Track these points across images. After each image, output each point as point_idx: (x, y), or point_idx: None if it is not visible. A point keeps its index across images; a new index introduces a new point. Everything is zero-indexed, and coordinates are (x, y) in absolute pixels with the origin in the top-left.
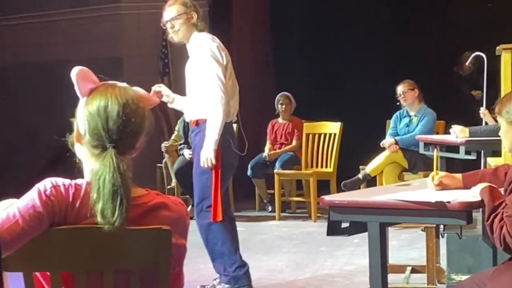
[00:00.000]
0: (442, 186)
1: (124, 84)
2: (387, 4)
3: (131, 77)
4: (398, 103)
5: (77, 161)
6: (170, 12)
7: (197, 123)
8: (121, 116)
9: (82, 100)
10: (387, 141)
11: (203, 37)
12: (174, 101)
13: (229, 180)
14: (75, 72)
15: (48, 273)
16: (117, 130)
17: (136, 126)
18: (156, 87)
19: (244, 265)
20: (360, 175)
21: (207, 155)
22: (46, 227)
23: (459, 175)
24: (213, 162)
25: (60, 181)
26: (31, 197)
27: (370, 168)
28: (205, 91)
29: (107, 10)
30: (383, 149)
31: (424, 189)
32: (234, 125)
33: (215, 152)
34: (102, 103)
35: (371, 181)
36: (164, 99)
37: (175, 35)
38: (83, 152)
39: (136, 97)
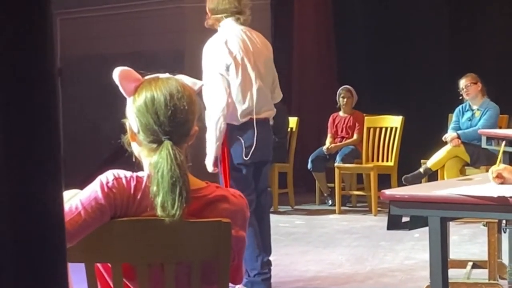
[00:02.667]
0: (501, 179)
1: (166, 75)
2: None
3: (193, 70)
4: (460, 97)
5: (135, 160)
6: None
7: None
8: (169, 107)
9: (129, 100)
10: (449, 135)
11: (220, 31)
12: None
13: (244, 178)
14: (117, 74)
15: (109, 265)
16: (168, 122)
17: (185, 114)
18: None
19: (265, 272)
20: (421, 169)
21: (206, 162)
22: (107, 219)
23: None
24: (211, 168)
25: (122, 173)
26: (93, 189)
27: (431, 162)
28: (207, 95)
29: (170, 3)
30: (445, 143)
31: (486, 184)
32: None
33: (214, 158)
34: (149, 98)
35: (432, 176)
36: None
37: (205, 21)
38: (140, 149)
39: (180, 85)
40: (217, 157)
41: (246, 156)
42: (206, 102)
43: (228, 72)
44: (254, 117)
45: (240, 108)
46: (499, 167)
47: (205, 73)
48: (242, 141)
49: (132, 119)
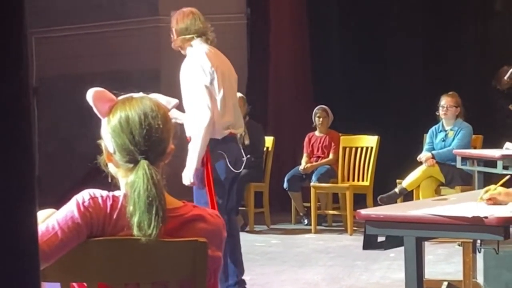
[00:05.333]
0: (494, 202)
1: (140, 94)
2: (427, 17)
3: (169, 89)
4: (437, 113)
5: (112, 180)
6: (171, 21)
7: (190, 139)
8: (144, 126)
9: (103, 121)
10: (424, 155)
11: (190, 55)
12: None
13: (227, 194)
14: (91, 95)
15: (85, 284)
16: (143, 141)
17: (160, 132)
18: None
19: (233, 284)
20: (396, 190)
21: (185, 173)
22: (84, 238)
23: None
24: (191, 180)
25: (98, 192)
26: (69, 209)
27: (406, 182)
28: (193, 108)
29: (146, 22)
30: (420, 163)
31: (461, 204)
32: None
33: (196, 171)
34: (123, 118)
35: (407, 196)
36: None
37: (172, 43)
38: (117, 170)
39: (154, 104)
40: (197, 169)
41: (232, 170)
42: (193, 114)
43: (212, 86)
44: (233, 131)
45: (222, 122)
46: (495, 190)
47: (190, 85)
48: (225, 155)
49: (108, 140)
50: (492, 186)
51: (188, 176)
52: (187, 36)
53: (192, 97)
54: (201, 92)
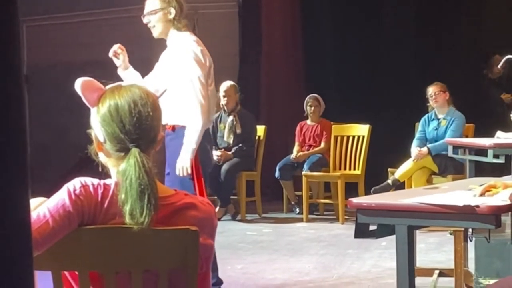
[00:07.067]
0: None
1: (128, 82)
2: (417, 6)
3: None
4: (428, 104)
5: (103, 169)
6: (148, 5)
7: (173, 128)
8: (134, 114)
9: (93, 110)
10: (421, 152)
11: (186, 38)
12: (127, 71)
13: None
14: (79, 84)
15: (76, 273)
16: (134, 129)
17: (150, 120)
18: (116, 47)
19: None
20: (389, 181)
21: (183, 164)
22: (75, 227)
23: None
24: (189, 171)
25: (89, 180)
26: (60, 197)
27: (399, 173)
28: (185, 96)
29: (137, 11)
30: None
31: (453, 192)
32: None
33: (191, 161)
34: (113, 107)
35: (400, 187)
36: (117, 62)
37: (152, 30)
38: (107, 159)
39: (143, 92)
40: (191, 159)
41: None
42: (194, 101)
43: (205, 77)
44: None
45: (212, 113)
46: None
47: (185, 74)
48: (208, 147)
49: (98, 129)
50: (498, 183)
51: (184, 167)
52: (179, 25)
53: (188, 83)
54: (199, 83)
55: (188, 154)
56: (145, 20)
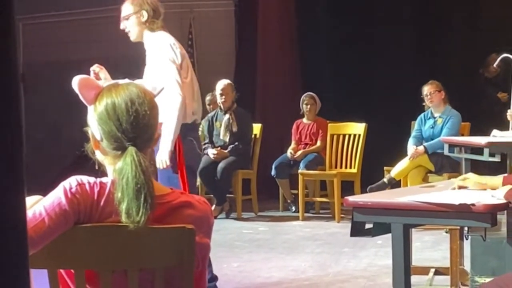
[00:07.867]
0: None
1: (126, 80)
2: (414, 5)
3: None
4: (423, 104)
5: (100, 167)
6: (122, 11)
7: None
8: (131, 113)
9: (90, 108)
10: (418, 152)
11: (158, 37)
12: None
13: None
14: (76, 82)
15: (72, 271)
16: (131, 128)
17: (147, 119)
18: (95, 67)
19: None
20: (385, 179)
21: (161, 158)
22: (71, 225)
23: (496, 179)
24: (168, 163)
25: (85, 179)
26: (56, 195)
27: (395, 172)
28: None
29: None
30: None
31: (448, 191)
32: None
33: (170, 153)
34: (110, 105)
35: (396, 185)
36: (101, 82)
37: (129, 35)
38: (104, 157)
39: (140, 90)
40: (171, 151)
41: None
42: (168, 94)
43: (182, 68)
44: (197, 119)
45: (191, 107)
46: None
47: (162, 66)
48: (194, 142)
49: (95, 127)
50: (470, 175)
51: (164, 159)
52: (155, 25)
53: (163, 77)
54: (173, 72)
55: (166, 147)
56: (121, 26)
